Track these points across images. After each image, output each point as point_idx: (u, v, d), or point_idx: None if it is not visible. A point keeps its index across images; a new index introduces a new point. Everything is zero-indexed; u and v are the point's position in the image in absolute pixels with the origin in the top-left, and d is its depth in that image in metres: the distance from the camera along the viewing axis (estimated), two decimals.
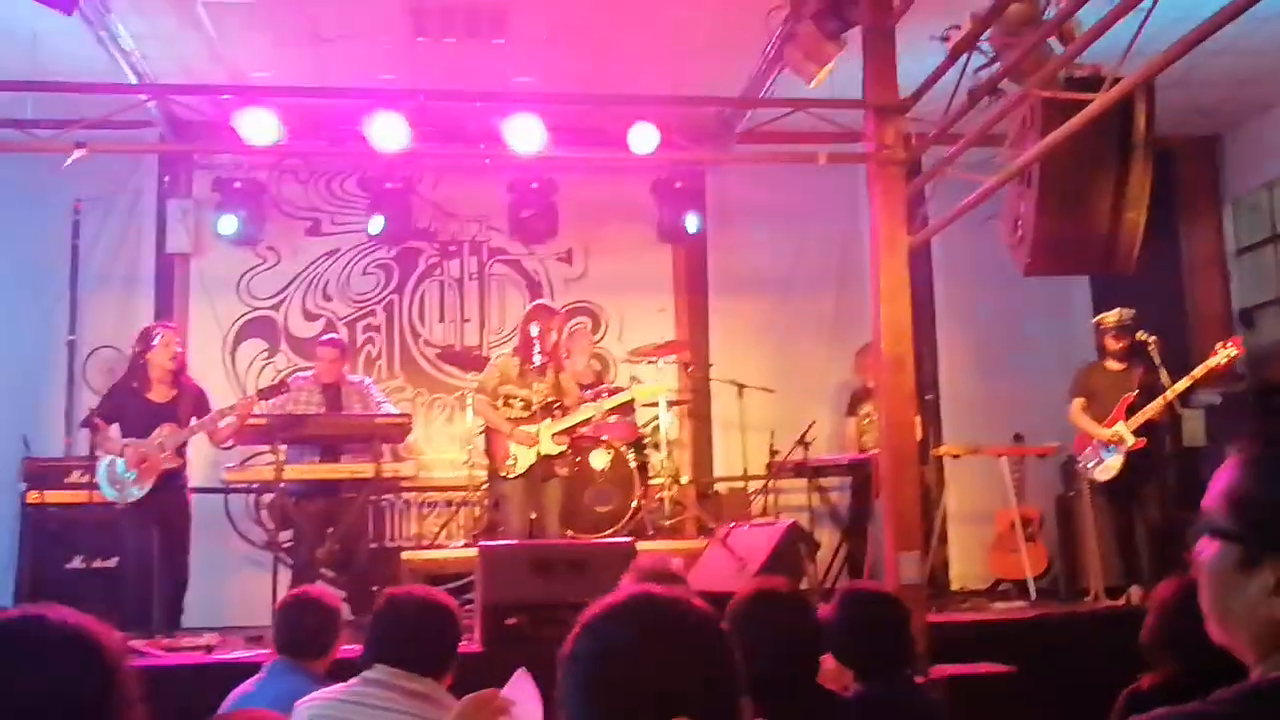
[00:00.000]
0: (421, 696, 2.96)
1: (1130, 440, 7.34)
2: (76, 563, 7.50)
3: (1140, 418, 7.33)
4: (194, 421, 6.95)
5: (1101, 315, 7.71)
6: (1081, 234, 6.23)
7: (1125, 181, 6.13)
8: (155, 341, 7.03)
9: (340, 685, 3.08)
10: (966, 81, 6.47)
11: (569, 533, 7.52)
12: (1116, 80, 5.18)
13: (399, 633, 3.09)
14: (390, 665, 3.01)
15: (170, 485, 6.91)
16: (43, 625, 1.73)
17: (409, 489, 8.81)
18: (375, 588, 7.55)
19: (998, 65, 6.20)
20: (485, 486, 8.07)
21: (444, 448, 9.23)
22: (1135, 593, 7.32)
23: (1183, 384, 7.24)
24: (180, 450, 6.94)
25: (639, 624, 1.52)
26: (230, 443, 7.27)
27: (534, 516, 7.31)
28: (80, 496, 7.47)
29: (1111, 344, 7.60)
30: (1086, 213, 6.18)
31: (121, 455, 6.80)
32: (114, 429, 6.91)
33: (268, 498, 8.07)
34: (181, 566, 6.98)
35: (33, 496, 7.74)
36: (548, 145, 7.11)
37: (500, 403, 7.30)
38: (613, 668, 1.49)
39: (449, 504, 8.94)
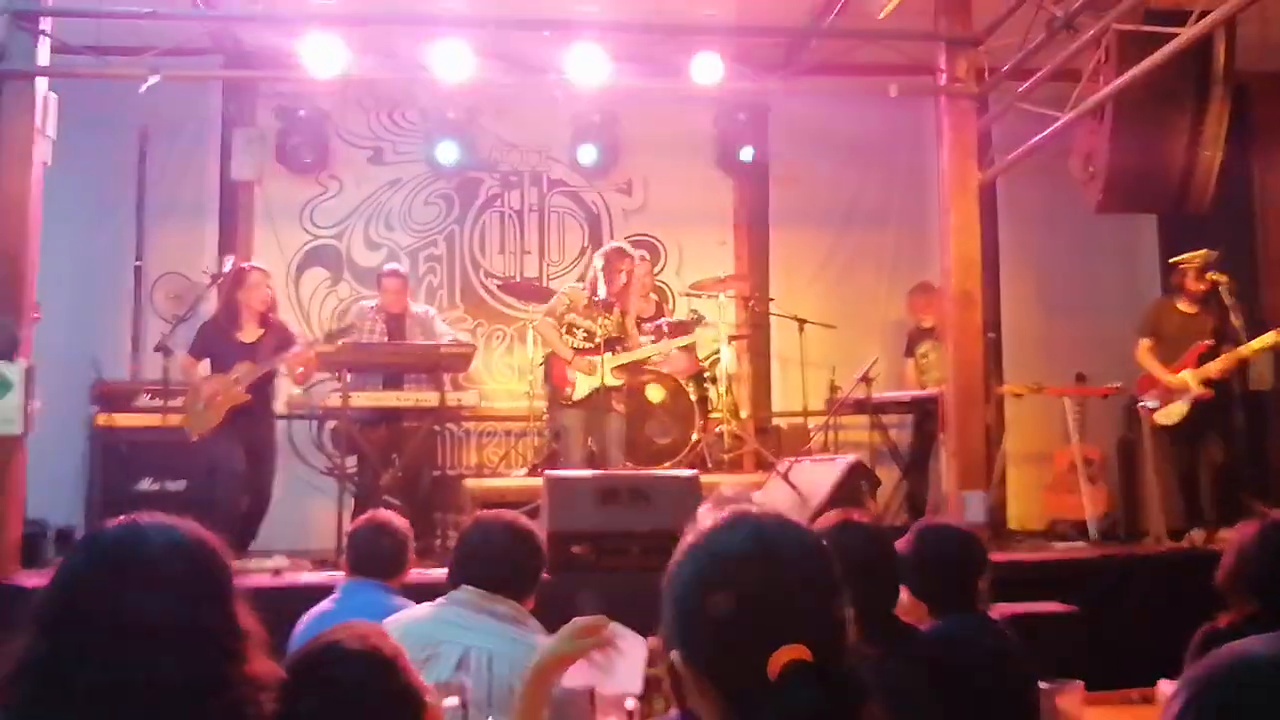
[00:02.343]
0: (507, 617, 3.01)
1: (1197, 389, 7.24)
2: (145, 484, 7.64)
3: (1211, 370, 7.20)
4: (268, 361, 7.05)
5: (1185, 255, 7.54)
6: (1155, 172, 6.15)
7: (1202, 119, 6.03)
8: (247, 282, 7.14)
9: (427, 605, 3.14)
10: (1042, 15, 6.36)
11: (628, 464, 7.56)
12: (1203, 15, 5.07)
13: (486, 555, 3.13)
14: (476, 586, 3.06)
15: (254, 414, 7.03)
16: (158, 529, 1.77)
17: (470, 418, 8.90)
18: (438, 514, 7.71)
19: None
20: (545, 417, 8.14)
21: (504, 378, 9.31)
22: (1197, 535, 7.27)
23: (1258, 344, 7.09)
24: (253, 387, 6.98)
25: (742, 548, 1.50)
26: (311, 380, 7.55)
27: (594, 448, 7.36)
28: (150, 420, 7.59)
29: (1192, 285, 7.42)
30: (1161, 150, 6.09)
31: (200, 390, 6.95)
32: (202, 365, 7.09)
33: (332, 424, 8.18)
34: (264, 494, 7.14)
35: (102, 419, 7.87)
36: (610, 75, 7.07)
37: (564, 330, 7.32)
38: (715, 593, 1.47)
39: (509, 434, 9.04)
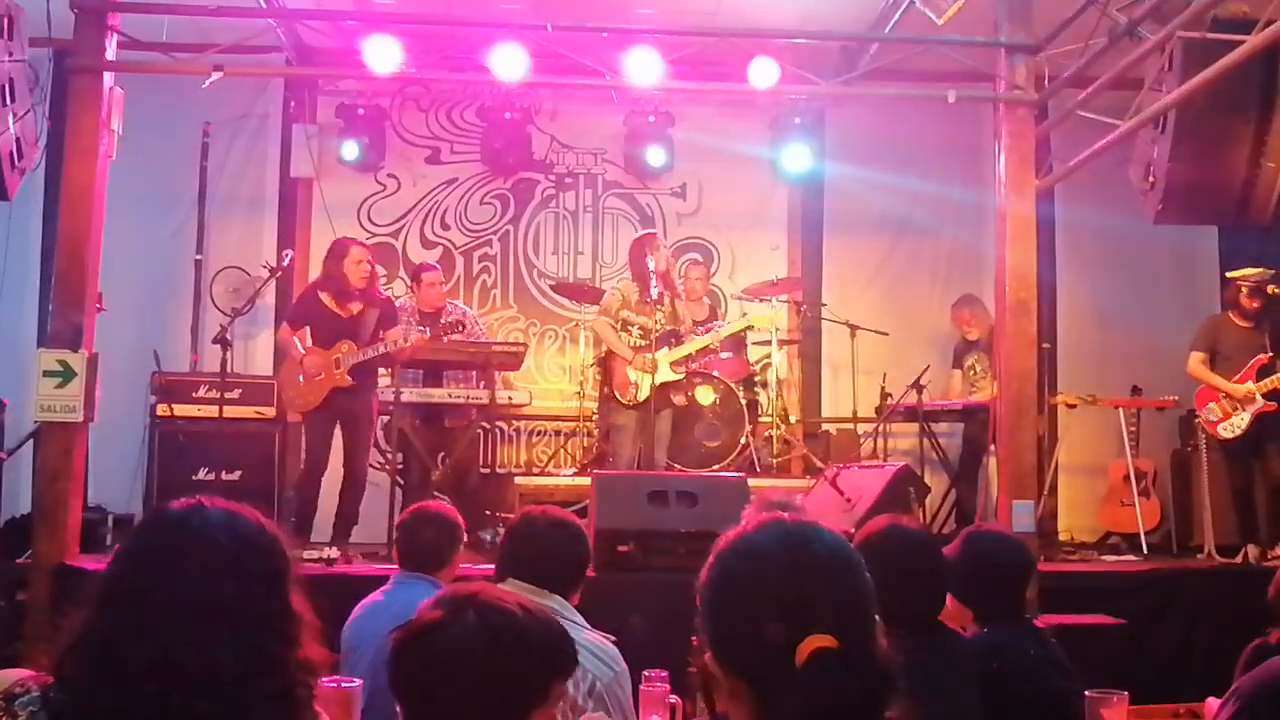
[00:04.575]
0: (553, 611, 3.02)
1: (1260, 402, 7.16)
2: (202, 474, 7.73)
3: (1273, 383, 7.14)
4: (372, 346, 6.96)
5: (1242, 271, 7.48)
6: (1216, 183, 6.05)
7: (1265, 130, 5.92)
8: (348, 257, 7.07)
9: None
10: (1105, 21, 6.30)
11: (676, 466, 7.58)
12: (1269, 23, 4.99)
13: (532, 550, 3.16)
14: (523, 580, 3.09)
15: (352, 391, 6.93)
16: (218, 513, 1.81)
17: (520, 417, 8.97)
18: (487, 511, 7.76)
19: (1138, 4, 6.02)
20: (595, 416, 8.17)
21: (555, 378, 9.37)
22: (1251, 551, 7.19)
23: None
24: (355, 370, 6.91)
25: (772, 547, 1.56)
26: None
27: (643, 448, 7.39)
28: (207, 411, 7.71)
29: (1246, 302, 7.38)
30: (1222, 161, 5.99)
31: (301, 364, 6.95)
32: (303, 334, 7.07)
33: (383, 419, 8.25)
34: (359, 474, 7.05)
35: (162, 409, 7.98)
36: (666, 78, 7.09)
37: (619, 326, 7.36)
38: (746, 589, 1.53)
39: (558, 433, 9.10)
